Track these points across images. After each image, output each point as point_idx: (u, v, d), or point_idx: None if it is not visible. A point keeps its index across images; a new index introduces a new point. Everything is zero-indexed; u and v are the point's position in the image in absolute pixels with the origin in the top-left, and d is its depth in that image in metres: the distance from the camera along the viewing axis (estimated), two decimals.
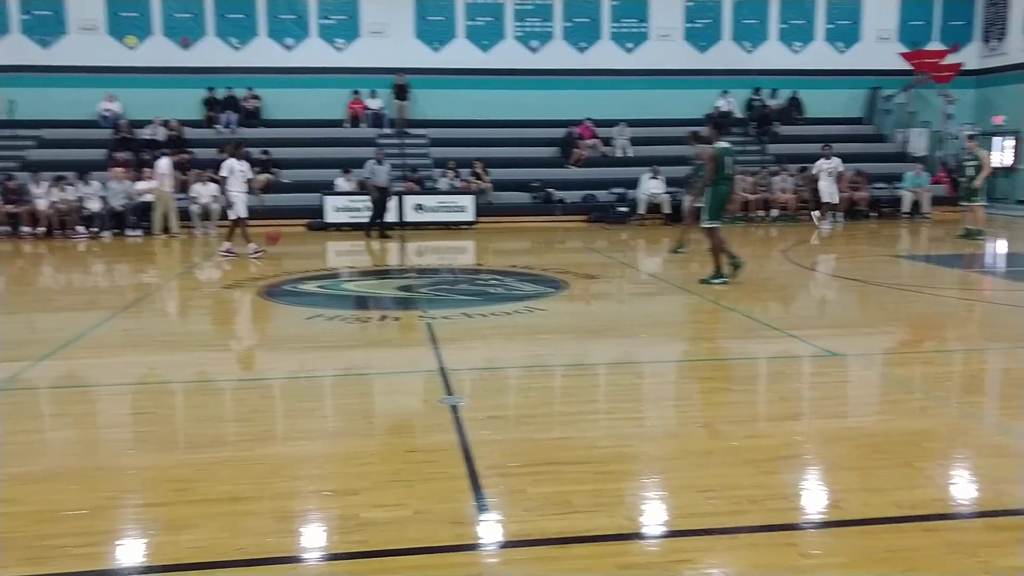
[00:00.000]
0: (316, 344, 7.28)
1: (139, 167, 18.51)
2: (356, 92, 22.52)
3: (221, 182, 13.53)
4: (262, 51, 22.36)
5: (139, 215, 17.22)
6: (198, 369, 6.53)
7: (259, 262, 12.78)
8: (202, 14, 22.07)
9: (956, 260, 12.77)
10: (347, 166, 19.10)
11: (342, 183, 18.91)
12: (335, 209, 18.29)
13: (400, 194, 18.47)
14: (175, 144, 20.11)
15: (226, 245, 13.42)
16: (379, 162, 16.55)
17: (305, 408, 5.46)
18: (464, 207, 18.73)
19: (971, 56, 24.69)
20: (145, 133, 20.43)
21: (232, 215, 13.48)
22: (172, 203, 17.05)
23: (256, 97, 22.16)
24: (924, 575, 3.14)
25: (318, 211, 18.25)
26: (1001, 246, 15.18)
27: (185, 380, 6.23)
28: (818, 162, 18.88)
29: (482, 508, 3.78)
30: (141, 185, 17.48)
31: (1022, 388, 6.09)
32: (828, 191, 18.55)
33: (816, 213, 18.69)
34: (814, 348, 6.93)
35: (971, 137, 17.56)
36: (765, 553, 3.34)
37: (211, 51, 22.12)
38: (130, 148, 19.85)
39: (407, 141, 21.89)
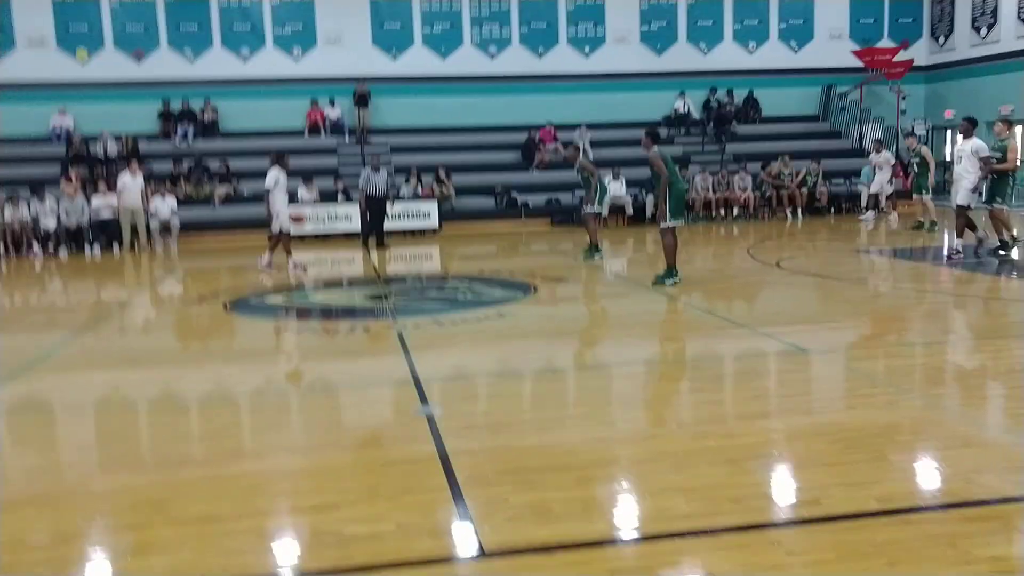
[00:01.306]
0: (285, 357, 7.20)
1: (94, 182, 18.18)
2: (315, 101, 22.35)
3: (265, 195, 12.54)
4: (217, 62, 22.11)
5: (96, 232, 16.89)
6: (167, 387, 6.42)
7: (300, 273, 12.44)
8: (155, 26, 21.77)
9: (914, 253, 13.00)
10: (308, 175, 18.93)
11: (303, 193, 18.75)
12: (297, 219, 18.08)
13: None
14: (130, 158, 19.78)
15: (266, 258, 12.71)
16: (375, 170, 15.97)
17: (278, 423, 5.38)
18: (428, 213, 18.69)
19: (921, 53, 25.19)
20: (97, 148, 20.07)
21: (275, 228, 12.62)
22: (141, 217, 16.76)
23: (213, 109, 21.90)
24: (907, 568, 3.17)
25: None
26: (955, 238, 15.47)
27: (154, 398, 6.12)
28: (870, 156, 19.17)
29: (463, 519, 3.76)
30: (97, 201, 17.16)
31: (983, 378, 6.20)
32: (878, 182, 18.47)
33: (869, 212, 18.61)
34: (783, 344, 6.99)
35: (908, 135, 17.94)
36: (749, 552, 3.36)
37: (165, 63, 21.83)
38: (84, 163, 19.50)
39: (368, 149, 21.76)
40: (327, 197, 18.93)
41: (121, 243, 16.60)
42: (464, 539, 3.60)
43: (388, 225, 16.72)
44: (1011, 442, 4.66)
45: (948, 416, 5.17)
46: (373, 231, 15.98)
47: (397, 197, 19.09)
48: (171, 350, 8.10)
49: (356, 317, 9.31)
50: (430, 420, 5.13)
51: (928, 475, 4.24)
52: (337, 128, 22.23)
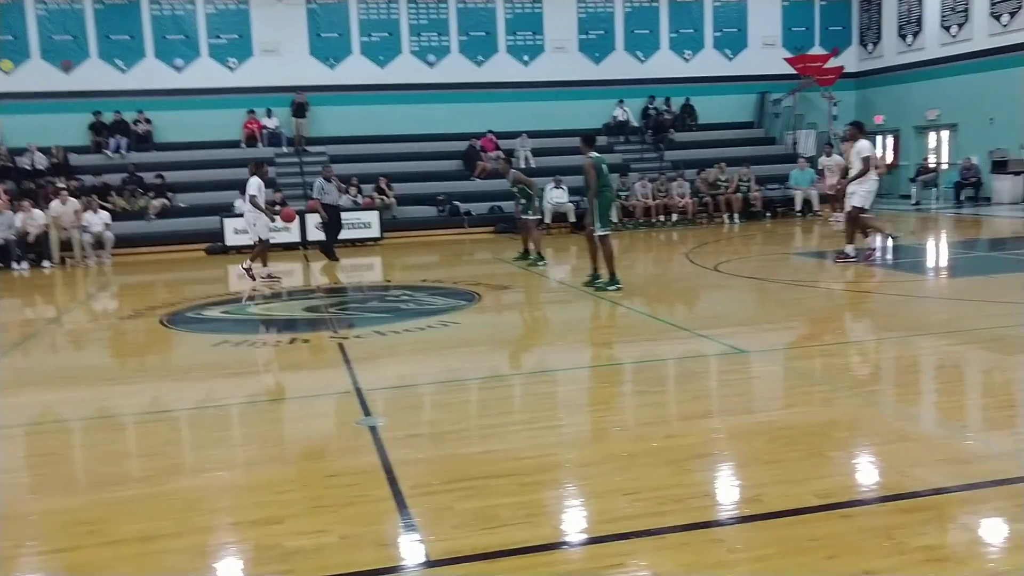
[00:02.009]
0: (224, 371, 7.07)
1: (21, 197, 17.63)
2: (251, 111, 22.06)
3: (252, 200, 12.48)
4: (150, 73, 21.68)
5: (24, 248, 16.36)
6: (101, 404, 6.24)
7: (271, 286, 12.11)
8: (83, 36, 21.28)
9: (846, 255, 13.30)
10: (245, 187, 18.62)
11: (241, 205, 18.43)
12: (235, 231, 17.81)
13: (302, 213, 18.13)
14: (59, 171, 19.28)
15: (265, 270, 12.55)
16: (328, 180, 15.63)
17: (218, 438, 5.28)
18: (369, 223, 18.53)
19: (851, 59, 25.91)
20: (24, 161, 19.50)
21: (258, 236, 12.65)
22: (74, 233, 16.30)
23: (147, 120, 21.47)
24: (845, 560, 3.24)
25: (217, 234, 17.75)
26: (887, 240, 15.90)
27: (88, 417, 5.95)
28: (820, 159, 19.52)
29: (409, 528, 3.73)
30: (25, 217, 16.62)
31: (916, 375, 6.40)
32: (831, 186, 18.78)
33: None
34: (722, 346, 7.10)
35: (845, 140, 18.29)
36: (693, 551, 3.40)
37: (95, 74, 21.33)
38: (11, 177, 18.91)
39: (306, 159, 21.54)
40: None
41: (51, 259, 16.13)
42: (410, 548, 3.57)
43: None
44: (942, 435, 4.80)
45: (883, 412, 5.30)
46: (328, 241, 15.77)
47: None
48: (105, 367, 7.89)
49: (296, 329, 9.18)
50: (373, 431, 5.09)
51: (864, 470, 4.34)
52: (275, 139, 21.97)
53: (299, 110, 22.01)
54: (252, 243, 12.73)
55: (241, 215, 17.94)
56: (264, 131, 22.04)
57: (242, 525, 3.86)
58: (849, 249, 11.73)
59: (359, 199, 19.22)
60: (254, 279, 12.14)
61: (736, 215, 20.00)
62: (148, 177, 19.62)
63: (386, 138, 22.24)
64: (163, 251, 17.52)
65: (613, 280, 10.12)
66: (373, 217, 18.65)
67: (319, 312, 9.96)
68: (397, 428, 5.19)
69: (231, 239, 17.66)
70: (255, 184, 12.43)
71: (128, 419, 5.90)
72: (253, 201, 12.44)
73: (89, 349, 8.87)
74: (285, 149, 21.86)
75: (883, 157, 16.93)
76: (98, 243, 16.71)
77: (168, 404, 6.26)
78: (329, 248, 15.61)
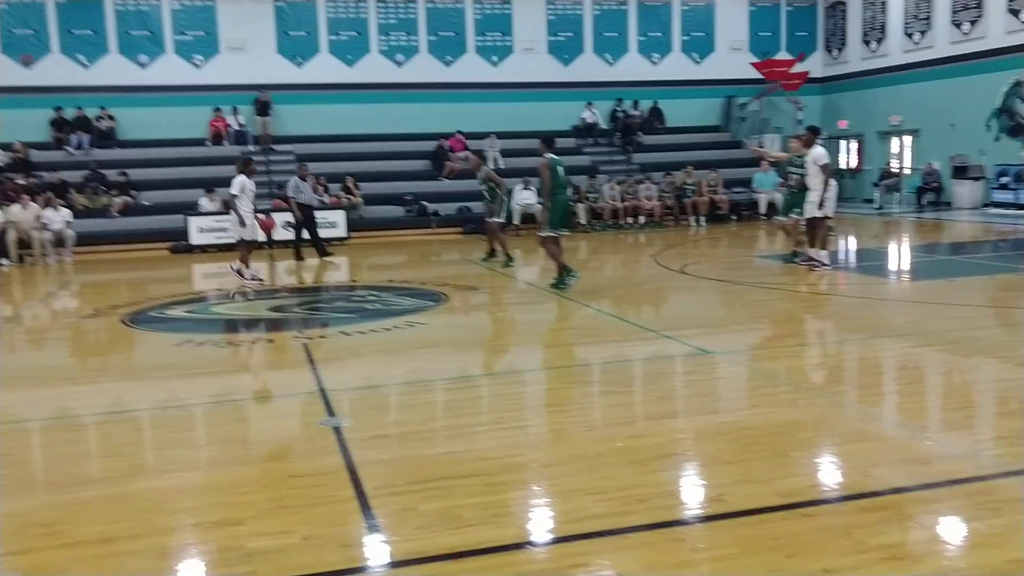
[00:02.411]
0: (187, 371, 6.98)
1: None
2: (217, 109, 21.83)
3: (231, 201, 12.03)
4: (113, 69, 21.35)
5: None
6: (60, 405, 6.14)
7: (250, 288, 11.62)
8: (45, 30, 20.90)
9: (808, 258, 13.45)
10: (210, 185, 18.46)
11: (206, 203, 18.26)
12: (200, 230, 17.63)
13: (267, 211, 17.99)
14: (21, 168, 18.93)
15: (249, 272, 12.02)
16: (303, 178, 15.42)
17: (180, 439, 5.21)
18: (335, 223, 18.39)
19: (816, 65, 26.22)
20: None
21: (246, 236, 12.18)
22: (34, 232, 16.01)
23: (110, 117, 21.15)
24: (805, 559, 3.27)
25: (181, 233, 17.53)
26: (851, 243, 16.12)
27: (47, 417, 5.84)
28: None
29: (372, 529, 3.71)
30: None
31: (878, 376, 6.49)
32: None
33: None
34: (688, 347, 7.15)
35: (795, 138, 18.45)
36: (656, 551, 3.41)
37: (57, 69, 20.95)
38: None
39: (273, 158, 21.36)
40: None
41: (9, 257, 15.83)
42: (374, 549, 3.55)
43: (291, 235, 16.40)
44: (902, 436, 4.87)
45: (845, 413, 5.37)
46: (301, 241, 15.50)
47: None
48: (65, 366, 7.76)
49: (261, 329, 9.10)
50: (337, 431, 5.05)
51: (826, 470, 4.40)
52: (241, 137, 21.75)
53: (263, 108, 21.81)
54: (234, 242, 12.28)
55: (207, 214, 17.85)
56: (230, 129, 21.82)
57: (203, 526, 3.81)
58: (813, 252, 11.85)
59: (326, 198, 19.09)
60: (244, 278, 11.83)
61: (702, 218, 20.16)
62: (111, 174, 19.32)
63: (354, 137, 22.12)
64: (126, 250, 17.26)
65: (568, 272, 10.23)
66: (340, 217, 18.54)
67: (284, 312, 9.88)
68: (361, 429, 5.16)
69: (196, 238, 17.47)
70: (238, 184, 11.97)
71: (88, 419, 5.81)
72: (233, 203, 12.04)
73: (48, 348, 8.72)
74: (251, 148, 21.62)
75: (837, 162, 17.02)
76: (58, 241, 16.43)
77: (129, 404, 6.17)
78: (319, 245, 15.49)
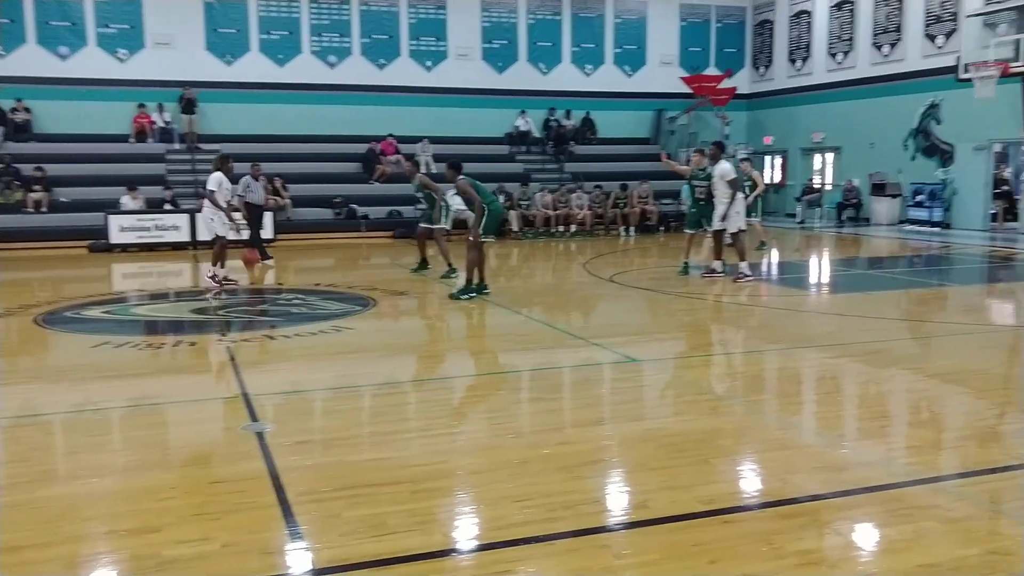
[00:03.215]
0: (104, 374, 6.76)
1: None
2: (142, 105, 21.25)
3: (209, 197, 11.69)
4: (31, 60, 20.61)
5: None
6: None
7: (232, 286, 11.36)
8: None
9: (733, 270, 13.75)
10: (133, 183, 17.96)
11: (128, 201, 17.75)
12: (120, 229, 17.13)
13: (193, 212, 17.59)
14: None
15: (221, 272, 11.68)
16: (256, 178, 14.83)
17: (94, 443, 5.04)
18: (262, 224, 18.05)
19: (743, 81, 26.86)
20: None
21: (220, 233, 11.81)
22: None
23: (27, 109, 20.41)
24: (726, 565, 3.33)
25: (101, 232, 16.99)
26: (773, 256, 16.52)
27: None
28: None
29: (295, 536, 3.64)
30: None
31: (798, 385, 6.65)
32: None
33: None
34: (615, 355, 7.23)
35: (744, 159, 18.94)
36: (580, 557, 3.43)
37: None
38: None
39: (198, 157, 20.89)
40: (154, 206, 18.01)
41: None
42: (295, 556, 3.48)
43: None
44: (820, 444, 5.00)
45: (765, 421, 5.49)
46: (259, 239, 15.06)
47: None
48: None
49: (183, 331, 8.87)
50: (260, 436, 4.95)
51: (747, 477, 4.48)
52: (166, 135, 21.23)
53: (188, 106, 21.33)
54: (210, 241, 12.02)
55: (128, 212, 17.35)
56: (155, 127, 21.28)
57: (117, 534, 3.69)
58: (716, 265, 12.14)
59: (278, 198, 18.74)
60: (218, 281, 11.52)
61: (632, 228, 20.44)
62: (26, 169, 18.63)
63: (283, 138, 21.80)
64: (42, 247, 16.66)
65: (481, 288, 10.32)
66: (267, 218, 18.20)
67: (207, 314, 9.65)
68: (285, 434, 5.07)
69: (116, 237, 16.96)
70: (215, 179, 11.72)
71: None
72: (211, 198, 11.73)
73: None
74: (177, 146, 21.16)
75: (760, 175, 17.40)
76: None
77: (40, 407, 5.93)
78: (259, 246, 15.06)
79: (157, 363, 7.37)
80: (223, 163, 12.09)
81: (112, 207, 17.47)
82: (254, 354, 7.45)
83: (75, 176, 19.25)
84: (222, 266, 11.80)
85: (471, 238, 10.17)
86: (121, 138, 20.92)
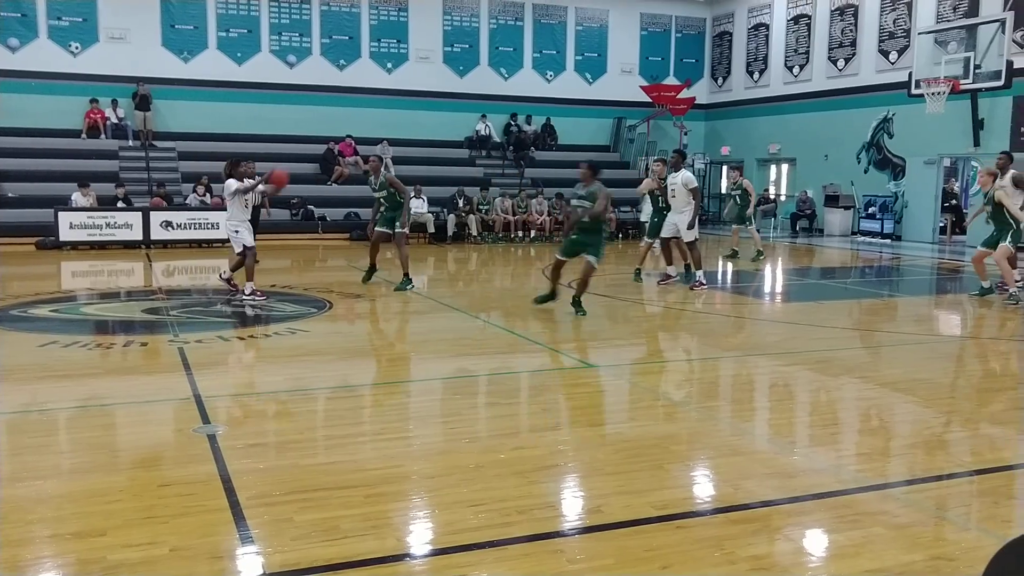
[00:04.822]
0: (51, 374, 6.61)
1: None
2: (95, 100, 20.85)
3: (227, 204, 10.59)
4: None
5: None
6: None
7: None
8: None
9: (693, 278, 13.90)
10: (85, 179, 17.60)
11: (79, 198, 17.38)
12: (71, 226, 16.77)
13: (147, 210, 17.31)
14: None
15: (249, 286, 10.40)
16: (251, 179, 14.42)
17: (39, 444, 4.92)
18: (217, 224, 17.81)
19: (702, 91, 27.19)
20: None
21: (247, 244, 10.54)
22: None
23: None
24: (678, 570, 3.35)
25: (50, 228, 16.61)
26: (728, 265, 16.72)
27: None
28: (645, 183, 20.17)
29: (245, 540, 3.59)
30: None
31: (751, 392, 6.73)
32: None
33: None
34: (572, 360, 7.25)
35: (736, 168, 19.11)
36: (534, 562, 3.43)
37: None
38: None
39: (152, 154, 20.56)
40: (106, 203, 17.66)
41: None
42: (246, 561, 3.43)
43: (170, 235, 15.72)
44: (771, 450, 5.06)
45: (719, 427, 5.54)
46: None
47: (184, 206, 18.15)
48: None
49: (133, 331, 8.71)
50: (212, 439, 4.88)
51: (700, 482, 4.52)
52: (120, 131, 20.85)
53: (142, 102, 20.97)
54: (239, 254, 10.68)
55: (79, 209, 16.99)
56: (108, 122, 20.88)
57: (61, 538, 3.60)
58: (671, 270, 12.28)
59: (208, 199, 18.48)
60: (236, 289, 10.61)
61: None
62: None
63: (240, 137, 21.52)
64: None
65: (408, 281, 11.26)
66: (222, 218, 17.90)
67: (159, 314, 9.49)
68: (237, 437, 5.00)
69: (65, 234, 16.60)
70: (230, 187, 10.45)
71: None
72: (229, 206, 10.59)
73: None
74: (131, 143, 20.79)
75: (751, 184, 17.53)
76: None
77: None
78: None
79: (107, 363, 7.23)
80: (234, 167, 10.73)
81: (62, 204, 17.10)
82: (207, 355, 7.34)
83: (24, 171, 18.82)
84: (250, 279, 10.46)
85: (397, 231, 11.38)
86: (73, 133, 20.49)
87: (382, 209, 11.81)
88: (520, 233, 20.35)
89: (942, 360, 7.92)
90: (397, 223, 11.61)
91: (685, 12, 27.05)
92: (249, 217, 10.79)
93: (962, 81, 18.22)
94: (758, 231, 17.14)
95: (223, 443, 4.81)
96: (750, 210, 16.43)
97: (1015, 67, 17.51)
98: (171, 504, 3.95)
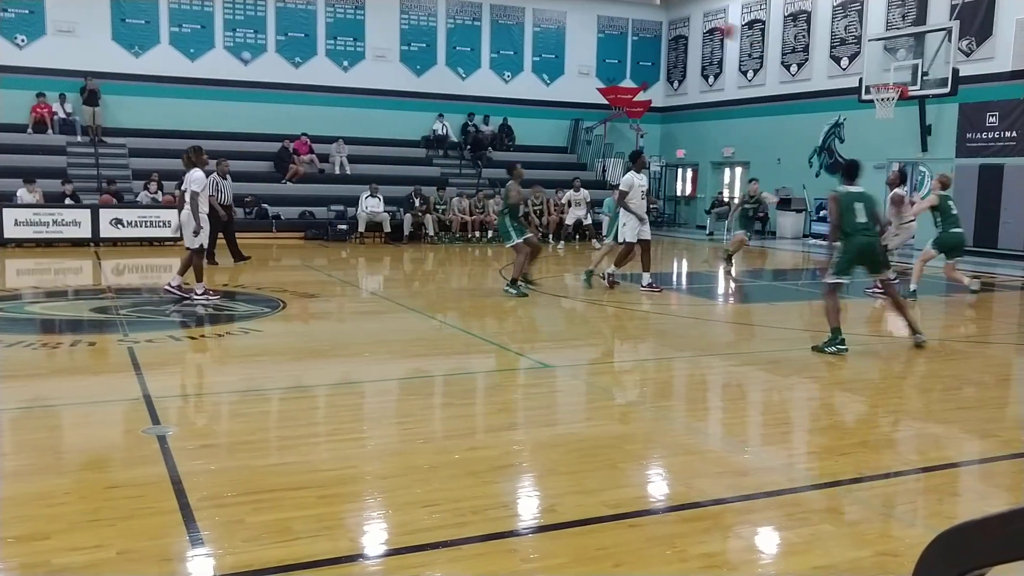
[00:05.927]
0: None
1: None
2: (41, 95, 20.38)
3: (192, 201, 9.73)
4: None
5: None
6: None
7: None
8: None
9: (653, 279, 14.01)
10: (31, 175, 17.19)
11: (24, 194, 16.98)
12: (15, 223, 16.37)
13: (96, 207, 16.96)
14: None
15: (200, 287, 9.98)
16: (224, 176, 13.92)
17: None
18: (168, 222, 17.50)
19: (658, 95, 27.42)
20: None
21: (195, 243, 9.92)
22: None
23: None
24: (631, 568, 3.38)
25: None
26: (683, 267, 16.92)
27: None
28: (568, 193, 20.40)
29: (196, 542, 3.53)
30: None
31: (704, 392, 6.81)
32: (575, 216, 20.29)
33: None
34: (528, 361, 7.27)
35: (752, 180, 19.14)
36: (488, 562, 3.43)
37: None
38: None
39: (101, 150, 20.15)
40: (54, 200, 17.27)
41: None
42: (196, 563, 3.38)
43: (119, 233, 15.47)
44: (723, 449, 5.13)
45: (672, 426, 5.60)
46: (233, 241, 14.41)
47: (135, 204, 17.82)
48: None
49: (81, 331, 8.53)
50: (161, 440, 4.79)
51: (653, 481, 4.57)
52: (68, 126, 20.41)
53: (91, 97, 20.55)
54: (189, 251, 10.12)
55: (25, 206, 16.60)
56: (56, 117, 20.43)
57: (3, 541, 3.50)
58: (613, 270, 12.34)
59: (159, 196, 18.18)
60: (186, 295, 9.99)
61: (550, 236, 20.60)
62: None
63: (192, 134, 21.09)
64: None
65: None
66: (174, 216, 17.61)
67: (108, 313, 9.31)
68: (188, 438, 4.92)
69: (10, 231, 16.21)
70: (198, 179, 9.76)
71: None
72: (195, 201, 9.77)
73: None
74: (79, 138, 20.35)
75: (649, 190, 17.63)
76: None
77: None
78: (235, 247, 14.45)
79: (53, 363, 7.07)
80: (198, 156, 9.93)
81: (7, 200, 16.68)
82: (158, 355, 7.21)
83: None
84: (199, 279, 10.13)
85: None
86: (19, 128, 20.01)
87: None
88: (477, 233, 20.34)
89: (889, 361, 8.09)
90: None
91: (642, 15, 27.27)
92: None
93: (910, 88, 18.62)
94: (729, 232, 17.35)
95: (173, 444, 4.73)
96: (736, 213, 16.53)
97: (961, 75, 17.95)
98: (119, 506, 3.87)
